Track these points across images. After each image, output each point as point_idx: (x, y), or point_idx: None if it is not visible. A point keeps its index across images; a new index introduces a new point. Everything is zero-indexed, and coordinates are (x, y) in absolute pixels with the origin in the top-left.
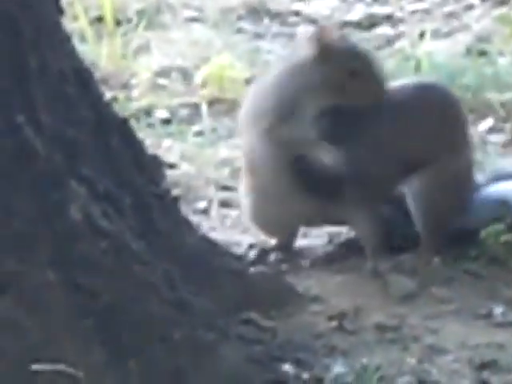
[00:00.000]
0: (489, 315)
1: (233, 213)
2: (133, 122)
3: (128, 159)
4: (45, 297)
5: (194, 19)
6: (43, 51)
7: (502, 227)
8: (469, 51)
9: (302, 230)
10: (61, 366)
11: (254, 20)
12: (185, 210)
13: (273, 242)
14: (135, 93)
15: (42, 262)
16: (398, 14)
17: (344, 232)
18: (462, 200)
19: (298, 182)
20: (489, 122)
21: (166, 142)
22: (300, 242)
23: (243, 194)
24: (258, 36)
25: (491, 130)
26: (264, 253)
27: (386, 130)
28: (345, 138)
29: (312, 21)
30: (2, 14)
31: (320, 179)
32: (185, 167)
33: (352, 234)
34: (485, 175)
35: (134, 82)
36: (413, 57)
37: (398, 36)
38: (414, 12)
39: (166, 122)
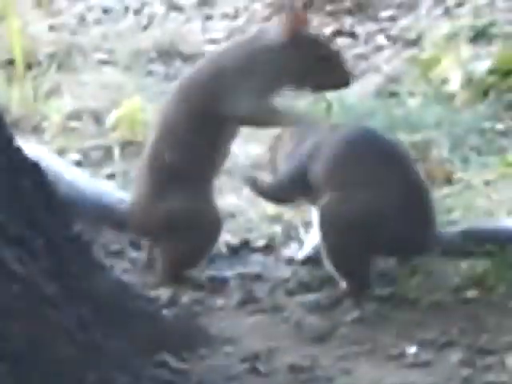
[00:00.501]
0: (401, 356)
1: (145, 254)
2: None
3: (40, 202)
4: None
5: (105, 62)
6: None
7: (412, 269)
8: (379, 92)
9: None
10: None
11: (165, 62)
12: (98, 252)
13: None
14: (47, 136)
15: None
16: None
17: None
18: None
19: None
20: None
21: None
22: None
23: None
24: (170, 78)
25: None
26: (177, 295)
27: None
28: None
29: None
30: None
31: None
32: None
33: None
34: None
35: (45, 125)
36: (323, 98)
37: None
38: None
39: (78, 164)
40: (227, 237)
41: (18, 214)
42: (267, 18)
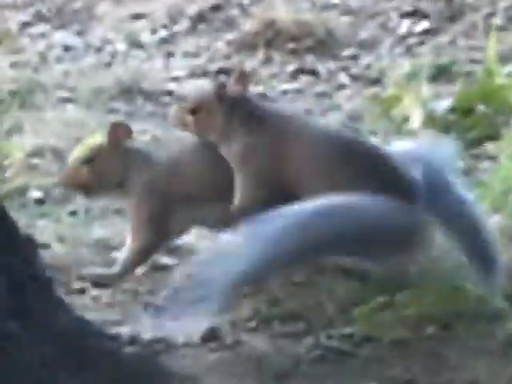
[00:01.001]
0: None
1: (107, 292)
2: (6, 203)
3: (2, 240)
4: None
5: (67, 100)
6: None
7: (375, 306)
8: None
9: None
10: None
11: (126, 100)
12: (59, 290)
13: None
14: (8, 173)
15: None
16: (270, 94)
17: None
18: None
19: None
20: None
21: (40, 223)
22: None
23: None
24: (131, 115)
25: None
26: (139, 333)
27: None
28: None
29: (184, 100)
30: None
31: None
32: (58, 247)
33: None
34: None
35: (6, 162)
36: None
37: None
38: (285, 92)
39: (40, 202)
40: (188, 274)
41: None
42: (228, 57)
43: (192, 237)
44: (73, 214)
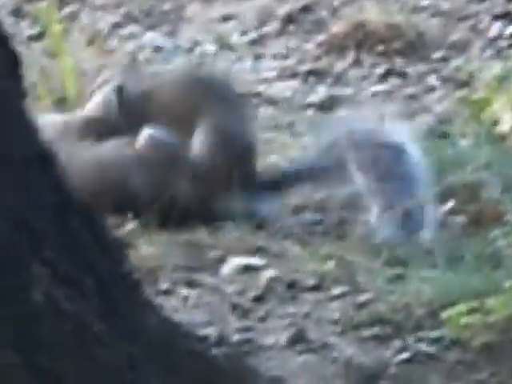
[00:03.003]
0: None
1: (195, 293)
2: None
3: (90, 241)
4: (7, 379)
5: None
6: (4, 134)
7: (463, 309)
8: (430, 133)
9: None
10: None
11: None
12: (147, 291)
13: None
14: None
15: (5, 345)
16: (359, 96)
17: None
18: None
19: None
20: (450, 203)
21: (128, 224)
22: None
23: None
24: None
25: (452, 212)
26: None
27: None
28: None
29: (273, 102)
30: None
31: None
32: (146, 249)
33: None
34: None
35: None
36: None
37: None
38: (375, 94)
39: None
40: (277, 276)
41: (68, 252)
42: (318, 58)
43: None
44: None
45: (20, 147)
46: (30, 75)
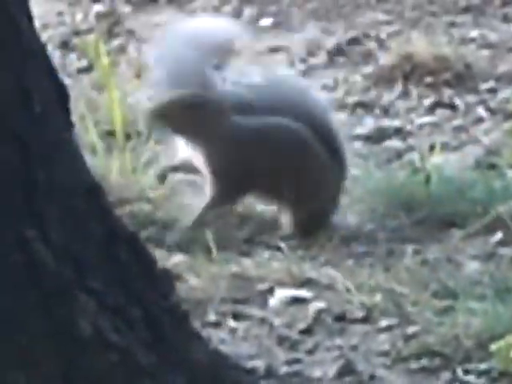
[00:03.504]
0: None
1: (243, 325)
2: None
3: (138, 272)
4: None
5: None
6: (52, 166)
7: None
8: (478, 164)
9: (311, 343)
10: None
11: None
12: (195, 323)
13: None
14: (148, 206)
15: (53, 377)
16: (408, 128)
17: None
18: None
19: None
20: (498, 235)
21: (176, 256)
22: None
23: None
24: None
25: (501, 244)
26: (274, 366)
27: None
28: None
29: None
30: (9, 129)
31: None
32: (194, 281)
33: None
34: None
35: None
36: (422, 170)
37: (408, 149)
38: (423, 125)
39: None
40: (325, 307)
41: (116, 283)
42: (366, 90)
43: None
44: (208, 247)
45: (67, 179)
46: (78, 107)
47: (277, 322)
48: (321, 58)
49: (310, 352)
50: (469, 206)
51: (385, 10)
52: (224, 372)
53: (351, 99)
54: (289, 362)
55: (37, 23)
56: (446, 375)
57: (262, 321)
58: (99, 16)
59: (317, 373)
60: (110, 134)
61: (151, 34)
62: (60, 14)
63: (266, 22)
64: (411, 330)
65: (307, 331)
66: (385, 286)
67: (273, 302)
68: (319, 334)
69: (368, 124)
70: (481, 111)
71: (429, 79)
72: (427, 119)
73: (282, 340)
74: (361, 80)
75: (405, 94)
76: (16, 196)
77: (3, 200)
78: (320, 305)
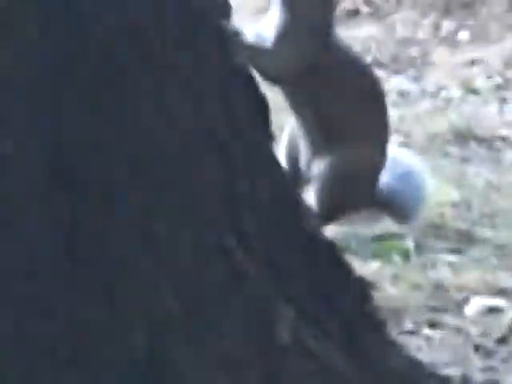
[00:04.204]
0: None
1: (439, 333)
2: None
3: (335, 280)
4: None
5: (402, 144)
6: (254, 178)
7: None
8: None
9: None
10: None
11: (460, 144)
12: (391, 331)
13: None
14: None
15: (253, 382)
16: None
17: None
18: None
19: None
20: None
21: (373, 264)
22: None
23: None
24: (465, 160)
25: None
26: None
27: None
28: None
29: None
30: (215, 142)
31: None
32: (391, 289)
33: None
34: None
35: None
36: None
37: None
38: None
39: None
40: None
41: (314, 290)
42: None
43: None
44: (405, 255)
45: (267, 190)
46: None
47: (472, 330)
48: None
49: (505, 360)
50: None
51: None
52: (419, 380)
53: None
54: (484, 370)
55: None
56: None
57: (458, 330)
58: None
59: None
60: None
61: None
62: None
63: (464, 35)
64: None
65: (502, 340)
66: None
67: (468, 311)
68: None
69: None
70: None
71: None
72: None
73: (477, 349)
74: None
75: None
76: (219, 207)
77: (207, 210)
78: None
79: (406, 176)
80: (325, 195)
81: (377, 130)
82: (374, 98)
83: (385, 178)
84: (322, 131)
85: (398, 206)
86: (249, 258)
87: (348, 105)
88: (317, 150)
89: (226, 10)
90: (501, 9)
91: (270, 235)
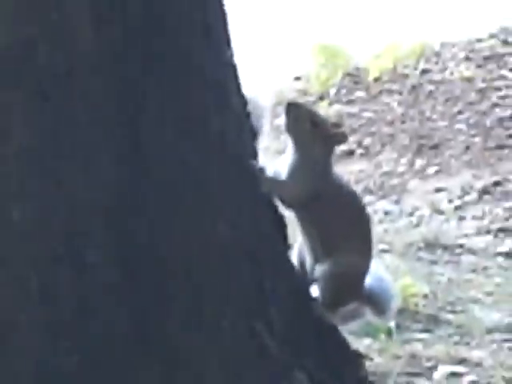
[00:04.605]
0: None
1: None
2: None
3: (337, 353)
4: None
5: (384, 251)
6: (276, 278)
7: None
8: None
9: None
10: None
11: (430, 251)
12: None
13: None
14: None
15: None
16: None
17: None
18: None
19: None
20: None
21: (366, 340)
22: None
23: None
24: (433, 263)
25: None
26: None
27: None
28: None
29: (472, 252)
30: (244, 250)
31: None
32: (377, 358)
33: None
34: None
35: None
36: None
37: None
38: None
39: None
40: (475, 380)
41: (321, 362)
42: (506, 219)
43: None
44: (389, 333)
45: (284, 283)
46: None
47: None
48: (473, 196)
49: None
50: None
51: None
52: None
53: (495, 226)
54: None
55: None
56: None
57: None
58: None
59: None
60: None
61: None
62: None
63: (432, 169)
64: None
65: None
66: None
67: (436, 375)
68: None
69: (508, 244)
70: None
71: None
72: None
73: None
74: (502, 212)
75: None
76: (251, 299)
77: (241, 302)
78: (472, 378)
79: (381, 281)
80: (325, 290)
81: (363, 242)
82: (361, 218)
83: (368, 280)
84: (322, 243)
85: (377, 301)
86: (272, 338)
87: (342, 224)
88: (318, 257)
89: (254, 153)
90: (459, 151)
91: (287, 320)
